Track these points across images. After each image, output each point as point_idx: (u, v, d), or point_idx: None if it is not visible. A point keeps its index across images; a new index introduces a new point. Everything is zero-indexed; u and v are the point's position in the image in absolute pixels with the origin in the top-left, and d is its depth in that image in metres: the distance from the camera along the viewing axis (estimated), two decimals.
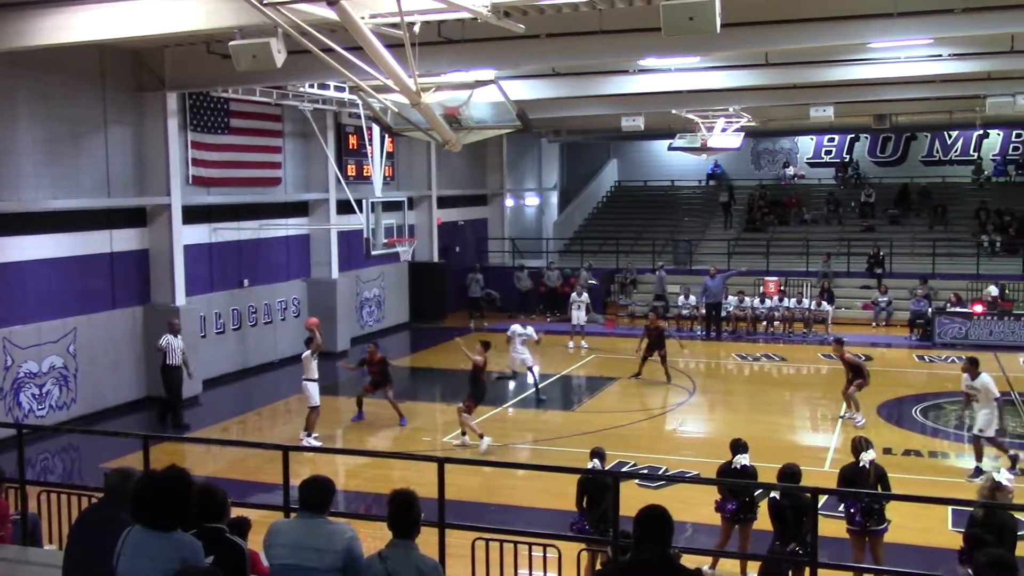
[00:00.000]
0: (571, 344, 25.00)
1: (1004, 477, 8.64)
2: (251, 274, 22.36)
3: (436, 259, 29.86)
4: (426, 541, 5.87)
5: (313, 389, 16.06)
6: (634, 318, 29.03)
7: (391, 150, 25.68)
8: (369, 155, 22.27)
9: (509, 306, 30.44)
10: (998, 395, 13.96)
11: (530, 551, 8.45)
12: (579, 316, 25.10)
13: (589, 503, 9.78)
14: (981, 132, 34.95)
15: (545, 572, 8.64)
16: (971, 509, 8.33)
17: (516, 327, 19.96)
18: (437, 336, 26.57)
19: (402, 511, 5.49)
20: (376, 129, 20.79)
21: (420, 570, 5.40)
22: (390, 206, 21.83)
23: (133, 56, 18.43)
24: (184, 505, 5.08)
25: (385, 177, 23.76)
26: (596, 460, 10.36)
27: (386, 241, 21.04)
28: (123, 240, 18.67)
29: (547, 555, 8.32)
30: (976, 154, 36.00)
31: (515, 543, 8.32)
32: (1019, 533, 8.42)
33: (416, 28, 9.85)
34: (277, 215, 23.18)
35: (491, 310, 29.80)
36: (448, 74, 13.06)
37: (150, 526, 5.02)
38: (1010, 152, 35.97)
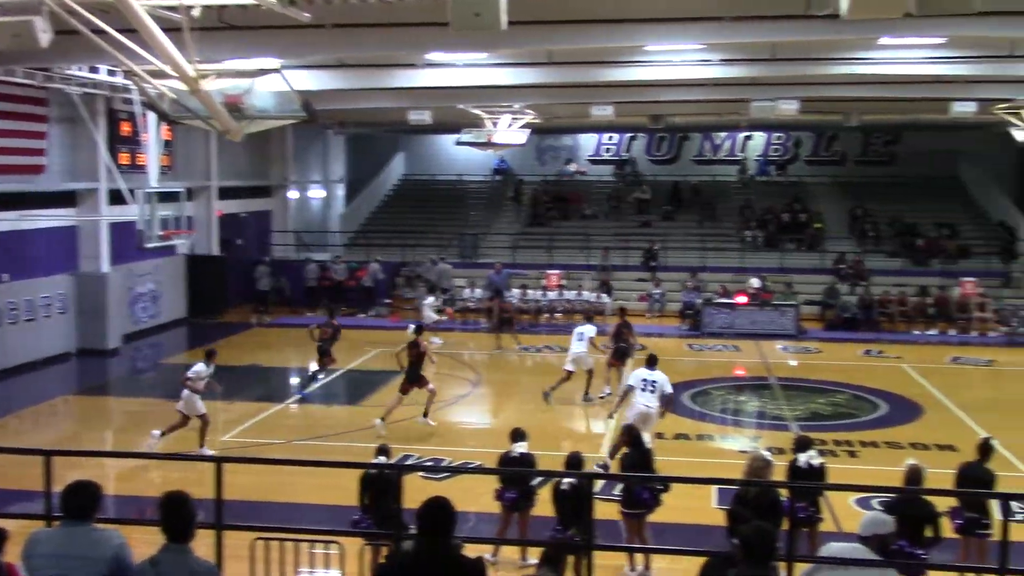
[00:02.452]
0: (437, 340, 24.55)
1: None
2: (11, 268, 20.82)
3: (216, 252, 28.86)
4: (203, 544, 5.67)
5: (197, 399, 15.05)
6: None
7: (168, 138, 24.55)
8: (144, 143, 21.22)
9: (295, 300, 29.86)
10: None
11: (312, 548, 8.33)
12: (429, 315, 24.83)
13: (373, 500, 9.74)
14: (746, 134, 37.32)
15: (328, 569, 8.54)
16: (737, 487, 8.89)
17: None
18: (217, 332, 25.69)
19: (173, 514, 5.28)
20: (152, 116, 19.84)
21: (195, 573, 5.22)
22: (167, 197, 20.88)
23: None
24: None
25: (161, 166, 22.68)
26: (382, 457, 10.34)
27: (162, 233, 20.12)
28: None
29: (330, 552, 8.23)
30: (741, 154, 38.37)
31: (296, 541, 8.18)
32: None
33: (195, 12, 9.48)
34: (40, 205, 21.69)
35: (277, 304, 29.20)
36: (230, 61, 12.64)
37: None
38: (771, 153, 38.56)
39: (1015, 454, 14.72)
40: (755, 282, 28.22)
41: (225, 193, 29.53)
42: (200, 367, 15.15)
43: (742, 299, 26.93)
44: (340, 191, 39.11)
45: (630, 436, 10.72)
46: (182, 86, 9.56)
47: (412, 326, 17.11)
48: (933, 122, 29.16)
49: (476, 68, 19.99)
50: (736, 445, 15.67)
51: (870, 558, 6.23)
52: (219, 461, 7.82)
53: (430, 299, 25.36)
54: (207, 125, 10.55)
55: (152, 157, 20.90)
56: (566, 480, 9.64)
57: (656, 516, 10.46)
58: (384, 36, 15.08)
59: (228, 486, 7.69)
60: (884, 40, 16.10)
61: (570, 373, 18.38)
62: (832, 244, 32.21)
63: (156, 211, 19.95)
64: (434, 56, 18.71)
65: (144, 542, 6.00)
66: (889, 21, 13.23)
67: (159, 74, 9.54)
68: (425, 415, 16.24)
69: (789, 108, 23.02)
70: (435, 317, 24.79)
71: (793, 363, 23.29)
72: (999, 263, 30.60)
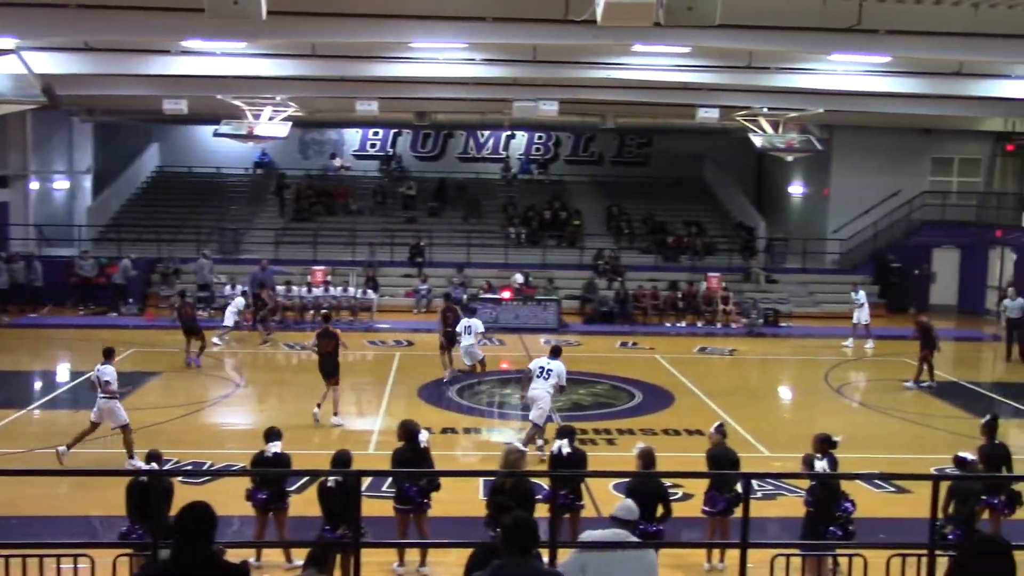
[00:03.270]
0: (217, 340, 23.29)
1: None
2: None
3: None
4: None
5: (118, 406, 13.98)
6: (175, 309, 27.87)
7: None
8: None
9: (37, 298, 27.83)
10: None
11: (58, 563, 7.79)
12: (230, 319, 23.65)
13: (141, 508, 9.22)
14: (509, 133, 38.19)
15: None
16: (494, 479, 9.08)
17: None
18: None
19: None
20: None
21: None
22: None
23: None
24: None
25: None
26: (153, 464, 9.86)
27: None
28: None
29: (78, 567, 7.74)
30: (505, 153, 39.23)
31: (40, 557, 7.63)
32: (537, 497, 9.33)
33: None
34: None
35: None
36: None
37: None
38: (533, 152, 39.67)
39: (754, 435, 15.89)
40: (519, 278, 28.93)
41: None
42: (110, 369, 14.04)
43: (506, 294, 27.52)
44: (87, 183, 36.68)
45: (405, 432, 10.73)
46: None
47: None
48: (681, 126, 30.97)
49: (236, 58, 19.36)
50: (502, 437, 16.00)
51: (632, 540, 6.55)
52: None
53: (239, 300, 24.17)
54: None
55: None
56: (331, 478, 9.53)
57: (429, 510, 10.53)
58: (135, 20, 14.31)
59: None
60: (637, 47, 16.92)
61: (470, 367, 19.40)
62: (590, 241, 33.54)
63: None
64: (190, 43, 17.95)
65: None
66: (641, 29, 13.93)
67: None
68: (319, 407, 16.23)
69: (549, 109, 23.70)
70: (234, 321, 23.76)
71: None
72: (740, 260, 32.90)
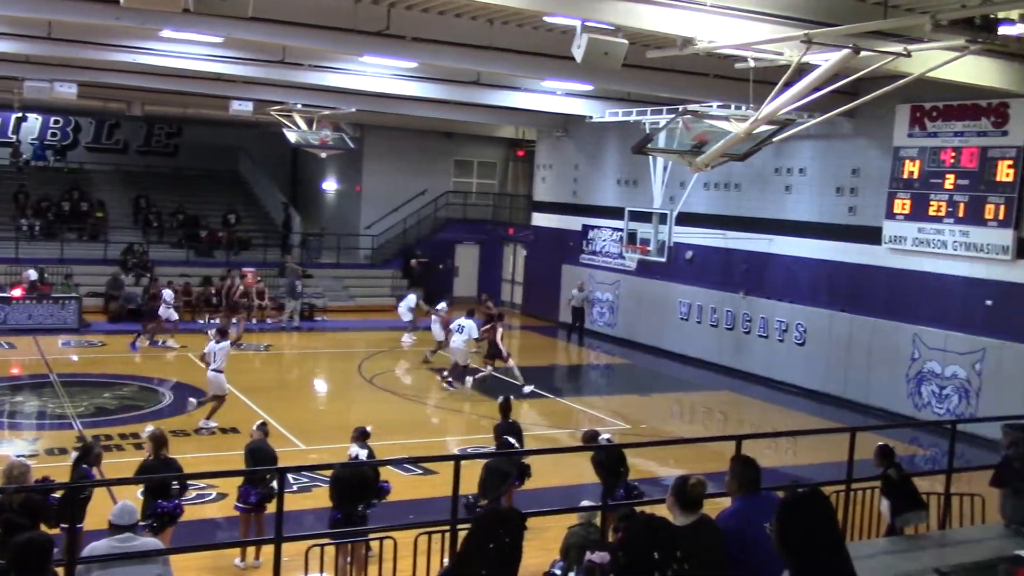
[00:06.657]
0: None
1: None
2: None
3: None
4: None
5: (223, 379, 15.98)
6: None
7: None
8: None
9: None
10: None
11: None
12: None
13: None
14: (20, 115, 34.70)
15: None
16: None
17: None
18: None
19: None
20: None
21: None
22: None
23: None
24: None
25: None
26: None
27: None
28: None
29: None
30: (15, 137, 35.59)
31: None
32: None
33: None
34: None
35: None
36: None
37: None
38: (49, 138, 36.44)
39: (290, 429, 15.99)
40: (32, 274, 26.44)
41: None
42: (226, 345, 16.31)
43: (18, 292, 25.06)
44: None
45: None
46: None
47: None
48: (214, 118, 30.26)
49: None
50: (12, 450, 14.55)
51: (138, 547, 6.36)
52: None
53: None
54: None
55: None
56: None
57: None
58: None
59: None
60: (166, 32, 16.19)
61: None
62: (116, 234, 31.55)
63: None
64: None
65: None
66: (169, 14, 13.35)
67: None
68: None
69: (67, 92, 22.05)
70: None
71: (75, 358, 22.35)
72: (275, 254, 32.86)
